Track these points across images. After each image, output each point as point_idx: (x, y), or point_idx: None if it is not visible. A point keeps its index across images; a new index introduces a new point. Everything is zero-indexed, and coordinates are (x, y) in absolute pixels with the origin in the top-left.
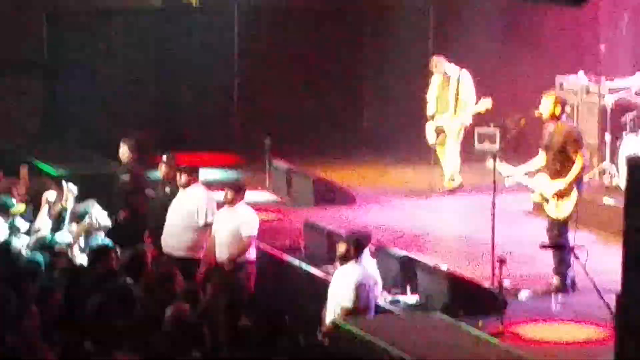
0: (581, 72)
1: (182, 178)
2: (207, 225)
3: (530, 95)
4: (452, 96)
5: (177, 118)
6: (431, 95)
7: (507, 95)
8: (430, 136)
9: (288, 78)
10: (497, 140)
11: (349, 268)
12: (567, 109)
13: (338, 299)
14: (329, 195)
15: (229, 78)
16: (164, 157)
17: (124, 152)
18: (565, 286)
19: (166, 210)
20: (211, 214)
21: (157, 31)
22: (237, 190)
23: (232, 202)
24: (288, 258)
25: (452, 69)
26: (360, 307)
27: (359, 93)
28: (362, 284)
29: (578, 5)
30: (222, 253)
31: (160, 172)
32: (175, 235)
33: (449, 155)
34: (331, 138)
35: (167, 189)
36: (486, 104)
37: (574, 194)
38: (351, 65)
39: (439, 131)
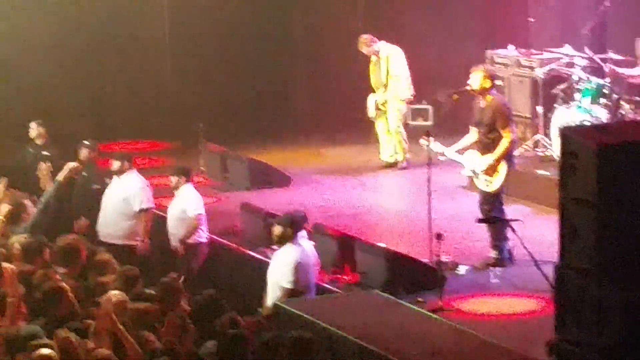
0: (511, 46)
1: (115, 165)
2: (143, 212)
3: (462, 70)
4: (383, 73)
5: (110, 106)
6: (371, 72)
7: (438, 72)
8: (370, 109)
9: (219, 62)
10: (430, 116)
11: (286, 249)
12: (499, 82)
13: (277, 280)
14: (265, 177)
15: (160, 65)
16: (86, 142)
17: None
18: (503, 259)
19: (90, 197)
20: (147, 200)
21: (88, 15)
22: (181, 173)
23: (176, 187)
24: (225, 241)
25: (382, 46)
26: (299, 287)
27: (290, 74)
28: (300, 264)
29: None
30: (173, 238)
31: (81, 157)
32: (110, 223)
33: (393, 130)
34: (264, 121)
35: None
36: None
37: (503, 168)
38: (281, 46)
39: (377, 106)
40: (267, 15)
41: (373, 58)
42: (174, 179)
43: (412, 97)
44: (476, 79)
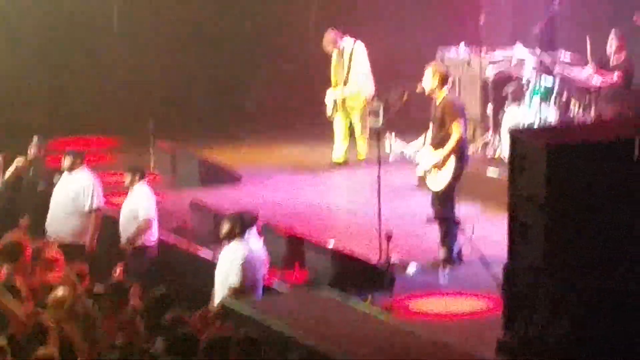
0: (462, 44)
1: (67, 161)
2: (93, 211)
3: (413, 68)
4: (345, 68)
5: (61, 103)
6: (332, 67)
7: (389, 69)
8: (328, 106)
9: (171, 58)
10: (381, 115)
11: (233, 246)
12: (451, 80)
13: (224, 277)
14: (215, 175)
15: (111, 60)
16: (34, 139)
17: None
18: (452, 258)
19: (37, 195)
20: (97, 198)
21: (37, 10)
22: (136, 171)
23: (131, 184)
24: (175, 240)
25: (346, 42)
26: (247, 285)
27: (242, 71)
28: (247, 262)
29: None
30: (124, 236)
31: (29, 154)
32: (60, 220)
33: (355, 126)
34: (215, 118)
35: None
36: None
37: (451, 164)
38: (233, 43)
39: (335, 103)
40: (219, 12)
41: (335, 53)
42: (128, 177)
43: (372, 95)
44: (428, 77)
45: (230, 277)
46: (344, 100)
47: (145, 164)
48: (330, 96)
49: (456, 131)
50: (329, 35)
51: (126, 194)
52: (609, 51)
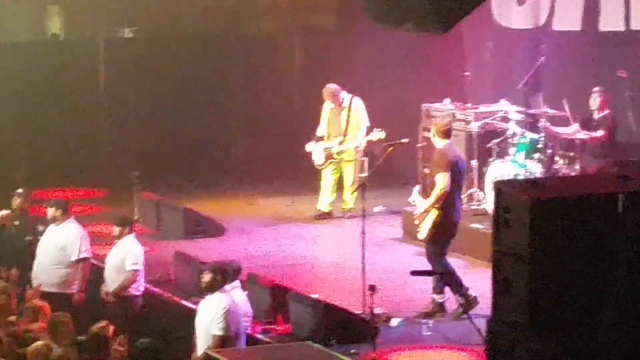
0: (447, 100)
1: (51, 212)
2: (81, 261)
3: (398, 123)
4: (343, 121)
5: (44, 153)
6: (323, 119)
7: (374, 124)
8: (318, 157)
9: (155, 110)
10: (366, 167)
11: (215, 297)
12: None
13: (207, 328)
14: (199, 226)
15: (95, 112)
16: (18, 191)
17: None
18: (466, 302)
19: (23, 246)
20: (85, 249)
21: (23, 65)
22: (124, 224)
23: (119, 237)
24: (159, 290)
25: (345, 95)
26: (230, 334)
27: (225, 123)
28: (229, 311)
29: (441, 33)
30: (108, 288)
31: (13, 206)
32: (46, 271)
33: (346, 178)
34: (199, 169)
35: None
36: (379, 134)
37: (432, 215)
38: (218, 96)
39: (329, 155)
40: (204, 65)
41: (329, 105)
42: (117, 229)
43: (365, 150)
44: (432, 133)
45: (212, 327)
46: (339, 153)
47: (130, 216)
48: (321, 147)
49: (440, 182)
50: (331, 88)
51: (111, 244)
52: (592, 107)
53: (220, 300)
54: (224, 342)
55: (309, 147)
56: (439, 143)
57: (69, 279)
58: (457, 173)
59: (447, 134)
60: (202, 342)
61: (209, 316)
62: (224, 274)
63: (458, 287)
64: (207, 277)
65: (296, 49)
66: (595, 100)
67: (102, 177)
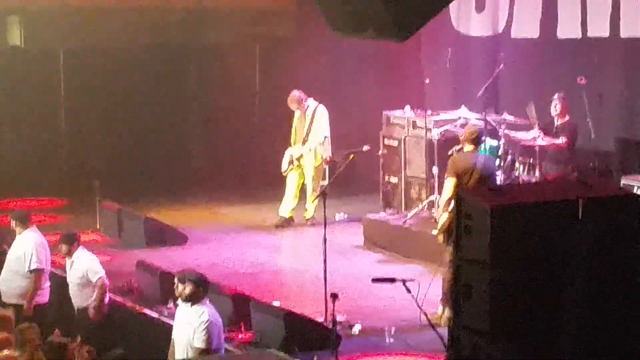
0: (407, 107)
1: (13, 222)
2: (36, 271)
3: (358, 130)
4: (306, 128)
5: (4, 162)
6: (293, 126)
7: (335, 131)
8: (284, 163)
9: (116, 119)
10: (327, 175)
11: (196, 309)
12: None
13: (188, 340)
14: (160, 235)
15: (55, 121)
16: None
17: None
18: None
19: None
20: (36, 260)
21: None
22: (70, 241)
23: (69, 254)
24: (121, 300)
25: (310, 103)
26: (212, 347)
27: (187, 133)
28: (213, 324)
29: (400, 41)
30: (75, 302)
31: None
32: (7, 281)
33: (307, 186)
34: (160, 178)
35: None
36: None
37: (443, 218)
38: (178, 105)
39: (291, 161)
40: (163, 74)
41: (297, 113)
42: (64, 248)
43: (329, 158)
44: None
45: (196, 340)
46: (299, 158)
47: (92, 225)
48: (288, 153)
49: (445, 187)
50: (294, 95)
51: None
52: (553, 114)
53: (202, 312)
54: (205, 355)
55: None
56: (465, 149)
57: (26, 290)
58: (468, 178)
59: (473, 141)
60: (181, 353)
61: (191, 328)
62: (206, 285)
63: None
64: (188, 289)
65: (256, 57)
66: (556, 107)
67: (63, 186)
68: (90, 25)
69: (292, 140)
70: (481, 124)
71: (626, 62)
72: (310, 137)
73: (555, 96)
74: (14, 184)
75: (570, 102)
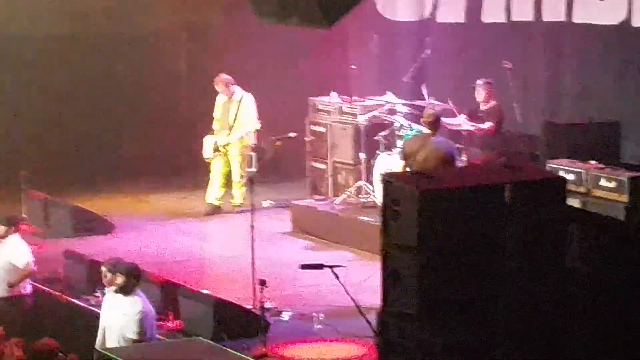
0: (334, 93)
1: None
2: None
3: (285, 117)
4: (232, 115)
5: None
6: (215, 113)
7: (262, 118)
8: (207, 150)
9: (42, 108)
10: (254, 162)
11: (129, 300)
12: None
13: (121, 331)
14: (88, 224)
15: None
16: None
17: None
18: None
19: None
20: None
21: None
22: (9, 223)
23: (4, 236)
24: (49, 289)
25: (237, 89)
26: (145, 337)
27: (114, 120)
28: (147, 315)
29: (326, 27)
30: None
31: None
32: None
33: (234, 173)
34: (87, 167)
35: None
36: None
37: None
38: (106, 93)
39: (216, 148)
40: (90, 62)
41: (222, 99)
42: (1, 229)
43: (253, 145)
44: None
45: (128, 331)
46: (225, 146)
47: (18, 214)
48: (211, 141)
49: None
50: (223, 77)
51: None
52: (478, 100)
53: (134, 303)
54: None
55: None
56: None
57: None
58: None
59: (429, 125)
60: (114, 343)
61: (124, 319)
62: (137, 276)
63: None
64: (120, 279)
65: (183, 45)
66: (479, 93)
67: None
68: (18, 13)
69: (215, 127)
70: (408, 109)
71: (550, 46)
72: (237, 125)
73: (478, 82)
74: None
75: (495, 87)
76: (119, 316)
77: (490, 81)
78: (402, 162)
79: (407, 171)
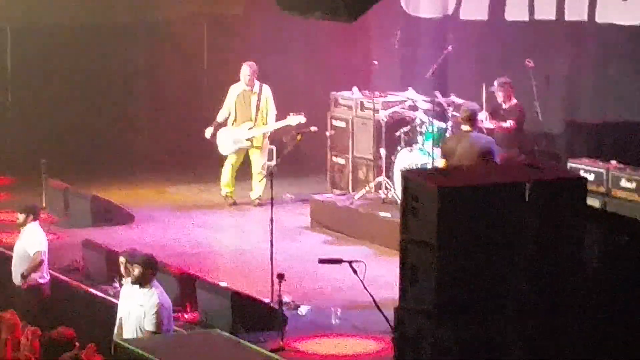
0: (355, 88)
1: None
2: None
3: (306, 111)
4: (253, 107)
5: None
6: (228, 104)
7: (283, 111)
8: (227, 145)
9: (62, 98)
10: (275, 155)
11: (146, 292)
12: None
13: (137, 322)
14: (107, 214)
15: (2, 99)
16: None
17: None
18: None
19: None
20: None
21: None
22: (27, 212)
23: (23, 224)
24: (67, 279)
25: (257, 82)
26: (162, 329)
27: (134, 112)
28: (163, 307)
29: (350, 21)
30: (15, 276)
31: None
32: None
33: (254, 165)
34: (108, 157)
35: None
36: (299, 118)
37: None
38: (126, 84)
39: (237, 141)
40: (111, 52)
41: (238, 89)
42: (21, 217)
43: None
44: None
45: (146, 322)
46: (248, 139)
47: (38, 203)
48: (229, 134)
49: None
50: (250, 68)
51: (19, 232)
52: (499, 100)
53: (152, 295)
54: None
55: (209, 132)
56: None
57: None
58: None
59: (466, 120)
60: (131, 334)
61: (141, 310)
62: (154, 267)
63: None
64: (137, 270)
65: (203, 36)
66: (498, 95)
67: (9, 164)
68: (39, 3)
69: (232, 119)
70: (429, 105)
71: (572, 45)
72: (260, 117)
73: (495, 84)
74: None
75: (515, 85)
76: (135, 307)
77: (508, 81)
78: (443, 161)
79: (427, 168)
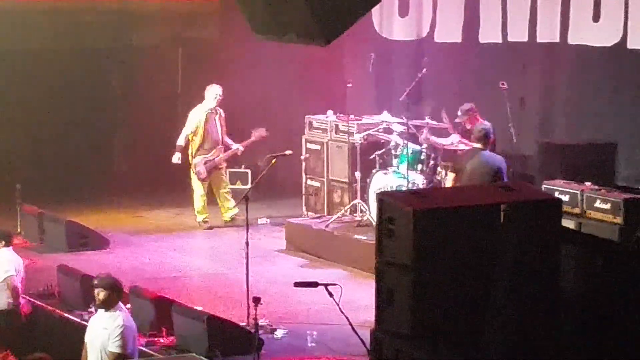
0: (330, 111)
1: None
2: None
3: (281, 135)
4: (218, 130)
5: None
6: (193, 126)
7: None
8: (203, 169)
9: (38, 123)
10: (249, 180)
11: (111, 314)
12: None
13: (103, 345)
14: (82, 239)
15: None
16: None
17: None
18: None
19: None
20: None
21: None
22: (0, 238)
23: None
24: (42, 304)
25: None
26: (127, 352)
27: (108, 136)
28: (128, 329)
29: (324, 44)
30: None
31: None
32: None
33: (223, 185)
34: (82, 182)
35: None
36: (261, 132)
37: None
38: (101, 108)
39: (212, 166)
40: (86, 76)
41: (201, 112)
42: None
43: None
44: None
45: (110, 345)
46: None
47: (12, 229)
48: (202, 160)
49: (447, 182)
50: (218, 89)
51: None
52: (468, 127)
53: (116, 317)
54: (120, 359)
55: (176, 158)
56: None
57: None
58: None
59: (479, 139)
60: (95, 358)
61: (106, 333)
62: (119, 291)
63: None
64: (102, 294)
65: (179, 60)
66: (464, 121)
67: None
68: (12, 28)
69: (198, 144)
70: (403, 128)
71: (544, 67)
72: (224, 140)
73: (459, 113)
74: None
75: (488, 106)
76: (100, 331)
77: (471, 107)
78: (452, 175)
79: (402, 190)
